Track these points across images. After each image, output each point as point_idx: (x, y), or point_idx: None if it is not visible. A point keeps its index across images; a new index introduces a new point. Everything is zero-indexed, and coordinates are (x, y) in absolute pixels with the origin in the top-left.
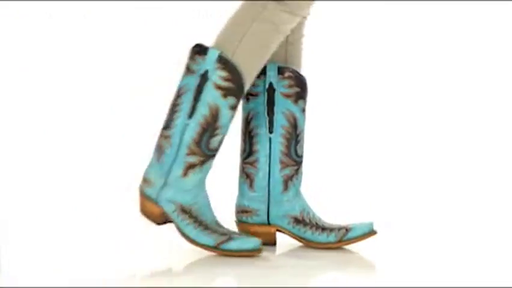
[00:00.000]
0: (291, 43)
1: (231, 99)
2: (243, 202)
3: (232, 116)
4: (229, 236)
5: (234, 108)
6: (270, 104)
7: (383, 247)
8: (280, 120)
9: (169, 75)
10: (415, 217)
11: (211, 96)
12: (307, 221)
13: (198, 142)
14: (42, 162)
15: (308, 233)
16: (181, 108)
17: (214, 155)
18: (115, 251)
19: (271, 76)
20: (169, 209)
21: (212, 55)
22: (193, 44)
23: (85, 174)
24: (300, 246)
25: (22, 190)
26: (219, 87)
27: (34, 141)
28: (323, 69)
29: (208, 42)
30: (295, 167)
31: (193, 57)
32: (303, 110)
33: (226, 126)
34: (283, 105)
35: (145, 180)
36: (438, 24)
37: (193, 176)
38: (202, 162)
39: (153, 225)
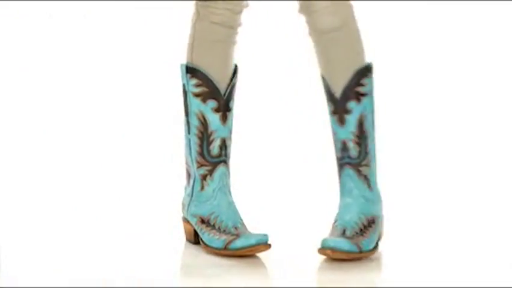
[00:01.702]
0: None
1: (211, 103)
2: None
3: (224, 118)
4: (236, 235)
5: (218, 110)
6: (186, 105)
7: (384, 247)
8: (193, 121)
9: (169, 75)
10: (413, 217)
11: (194, 105)
12: (212, 223)
13: (201, 153)
14: (43, 162)
15: (205, 235)
16: (184, 130)
17: (220, 162)
18: (115, 251)
19: (183, 77)
20: (193, 222)
21: (182, 68)
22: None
23: (85, 174)
24: (301, 246)
25: (22, 190)
26: (196, 95)
27: (34, 141)
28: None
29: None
30: (209, 167)
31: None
32: (216, 110)
33: (221, 130)
34: (195, 106)
35: (182, 205)
36: (439, 25)
37: (207, 188)
38: (211, 172)
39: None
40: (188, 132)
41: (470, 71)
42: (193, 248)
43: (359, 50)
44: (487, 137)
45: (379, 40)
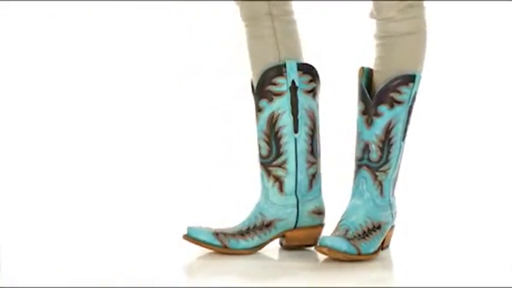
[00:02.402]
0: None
1: (317, 99)
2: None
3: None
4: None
5: (318, 106)
6: (294, 102)
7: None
8: (303, 118)
9: (168, 74)
10: (414, 218)
11: (306, 102)
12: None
13: (311, 151)
14: (43, 162)
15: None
16: (284, 133)
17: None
18: (115, 251)
19: (292, 73)
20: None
21: (292, 66)
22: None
23: (85, 174)
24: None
25: (22, 190)
26: (307, 91)
27: (34, 141)
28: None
29: (209, 41)
30: (317, 164)
31: (274, 81)
32: (318, 105)
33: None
34: (305, 103)
35: (279, 219)
36: (440, 25)
37: (315, 185)
38: (318, 168)
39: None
40: (296, 131)
41: (469, 72)
42: (193, 248)
43: (418, 58)
44: (488, 137)
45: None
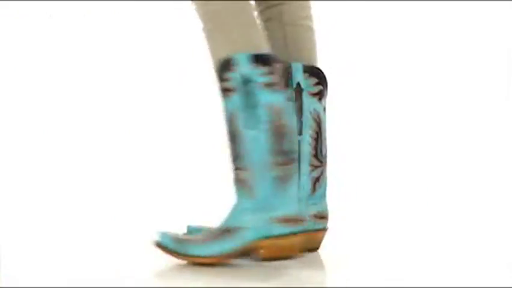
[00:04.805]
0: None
1: (323, 101)
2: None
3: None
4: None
5: (325, 110)
6: (299, 104)
7: (382, 246)
8: (308, 120)
9: (168, 74)
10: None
11: (311, 105)
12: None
13: (315, 155)
14: (43, 162)
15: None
16: (288, 131)
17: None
18: (115, 251)
19: (298, 75)
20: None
21: (297, 67)
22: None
23: (85, 174)
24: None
25: (22, 190)
26: (313, 94)
27: (34, 141)
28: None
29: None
30: (321, 168)
31: (280, 73)
32: (324, 109)
33: (326, 131)
34: (310, 105)
35: (289, 220)
36: (441, 25)
37: (319, 189)
38: (323, 171)
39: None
40: (300, 133)
41: (457, 73)
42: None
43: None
44: (486, 138)
45: (378, 42)
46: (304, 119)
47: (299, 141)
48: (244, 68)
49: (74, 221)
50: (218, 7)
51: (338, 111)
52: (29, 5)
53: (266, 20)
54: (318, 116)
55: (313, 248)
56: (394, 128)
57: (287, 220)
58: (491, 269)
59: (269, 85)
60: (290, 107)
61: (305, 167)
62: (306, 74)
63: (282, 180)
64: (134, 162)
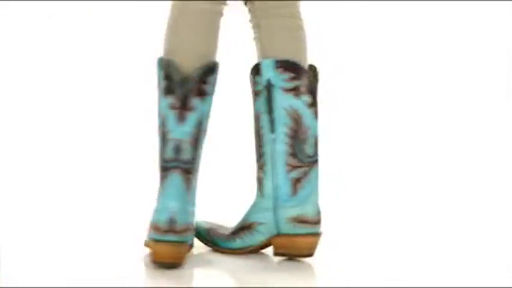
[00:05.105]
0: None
1: (305, 97)
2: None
3: (316, 113)
4: None
5: (312, 105)
6: (270, 101)
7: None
8: (282, 118)
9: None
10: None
11: (285, 101)
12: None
13: (293, 154)
14: (42, 162)
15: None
16: (263, 132)
17: (317, 160)
18: (115, 251)
19: (269, 71)
20: (288, 227)
21: (267, 64)
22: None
23: (85, 174)
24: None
25: (22, 190)
26: (287, 90)
27: (34, 141)
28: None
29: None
30: (304, 168)
31: (253, 81)
32: (311, 105)
33: (316, 127)
34: (284, 102)
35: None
36: (441, 25)
37: (301, 191)
38: (306, 173)
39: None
40: (272, 131)
41: (457, 73)
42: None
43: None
44: (484, 139)
45: (375, 42)
46: (276, 116)
47: (272, 140)
48: (269, 73)
49: (74, 221)
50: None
51: (337, 111)
52: (29, 5)
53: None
54: (297, 113)
55: (305, 254)
56: (394, 128)
57: (298, 220)
58: (491, 269)
59: (291, 90)
60: (312, 112)
61: (280, 167)
62: (280, 69)
63: (300, 182)
64: (135, 161)
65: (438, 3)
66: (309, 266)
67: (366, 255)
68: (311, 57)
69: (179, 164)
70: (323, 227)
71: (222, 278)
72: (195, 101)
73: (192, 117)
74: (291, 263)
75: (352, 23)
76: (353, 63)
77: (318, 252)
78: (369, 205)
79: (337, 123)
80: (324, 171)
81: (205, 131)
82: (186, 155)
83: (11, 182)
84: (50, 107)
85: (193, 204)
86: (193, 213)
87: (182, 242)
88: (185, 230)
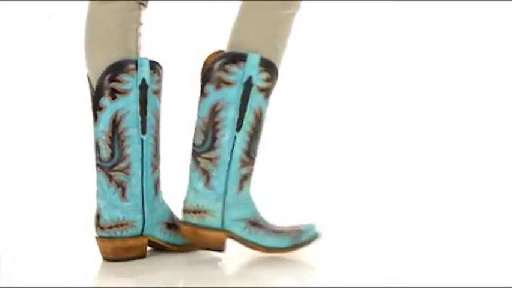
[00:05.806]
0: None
1: (268, 99)
2: (116, 214)
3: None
4: (295, 229)
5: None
6: (143, 102)
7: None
8: (151, 119)
9: (168, 74)
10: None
11: (256, 101)
12: (260, 223)
13: (248, 152)
14: (42, 162)
15: (261, 238)
16: (224, 125)
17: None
18: None
19: (144, 71)
20: (238, 229)
21: (253, 60)
22: (212, 54)
23: (85, 174)
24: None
25: (22, 190)
26: (261, 90)
27: (34, 141)
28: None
29: (209, 46)
30: (252, 166)
31: (226, 68)
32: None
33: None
34: (153, 103)
35: (197, 211)
36: (439, 25)
37: (246, 187)
38: (252, 170)
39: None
40: (238, 130)
41: (457, 72)
42: (191, 249)
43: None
44: (483, 139)
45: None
46: (247, 115)
47: (142, 140)
48: (253, 70)
49: (74, 221)
50: None
51: (337, 111)
52: (29, 5)
53: None
54: (159, 114)
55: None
56: (394, 128)
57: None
58: (491, 269)
59: (263, 90)
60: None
61: (147, 168)
62: (151, 71)
63: (159, 183)
64: None
65: (438, 3)
66: (309, 266)
67: (366, 255)
68: (310, 58)
69: (100, 162)
70: (323, 227)
71: (214, 280)
72: (104, 101)
73: (103, 117)
74: (291, 263)
75: (352, 23)
76: (353, 63)
77: (318, 252)
78: (369, 205)
79: (337, 123)
80: (324, 171)
81: (127, 128)
82: (104, 154)
83: (11, 182)
84: (50, 107)
85: (133, 201)
86: (132, 210)
87: (111, 238)
88: (114, 226)
